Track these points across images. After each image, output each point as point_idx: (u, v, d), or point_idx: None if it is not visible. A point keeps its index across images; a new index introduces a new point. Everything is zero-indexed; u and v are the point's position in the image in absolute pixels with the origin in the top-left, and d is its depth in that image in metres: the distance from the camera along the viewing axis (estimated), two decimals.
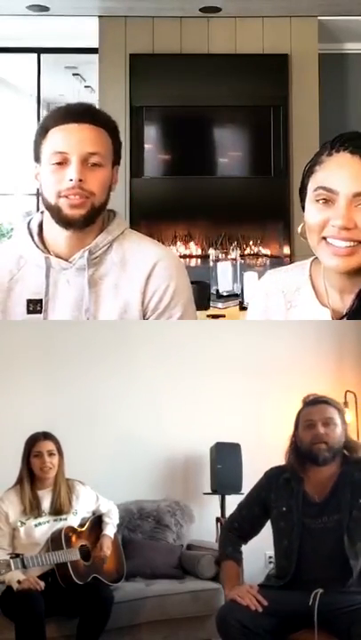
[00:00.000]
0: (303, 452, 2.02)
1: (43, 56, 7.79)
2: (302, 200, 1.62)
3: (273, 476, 2.09)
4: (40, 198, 1.80)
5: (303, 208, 1.61)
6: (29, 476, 2.47)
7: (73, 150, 1.71)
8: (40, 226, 1.86)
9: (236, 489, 3.15)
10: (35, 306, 1.78)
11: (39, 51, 7.70)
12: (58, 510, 2.46)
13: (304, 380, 3.41)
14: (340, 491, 1.96)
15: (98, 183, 1.73)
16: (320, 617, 1.80)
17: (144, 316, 1.81)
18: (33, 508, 2.42)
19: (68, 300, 1.79)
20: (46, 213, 1.81)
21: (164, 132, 7.20)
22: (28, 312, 1.78)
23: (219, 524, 3.21)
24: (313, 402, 2.07)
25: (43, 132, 1.77)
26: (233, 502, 3.14)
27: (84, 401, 3.23)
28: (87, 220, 1.75)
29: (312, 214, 1.55)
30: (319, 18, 6.86)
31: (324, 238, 1.55)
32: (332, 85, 7.27)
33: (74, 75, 9.50)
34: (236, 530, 2.13)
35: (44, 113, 10.14)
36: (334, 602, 1.82)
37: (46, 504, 2.46)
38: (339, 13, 6.74)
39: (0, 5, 6.52)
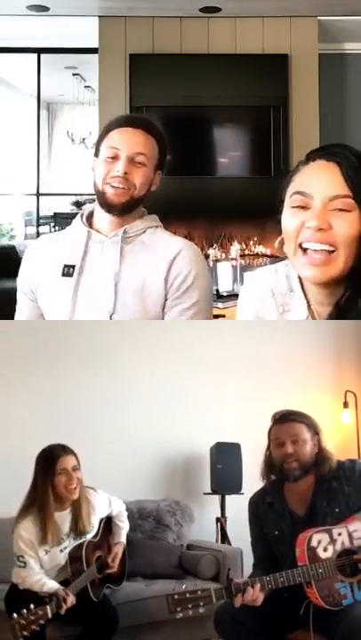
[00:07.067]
0: (276, 469, 2.05)
1: (43, 56, 7.81)
2: (280, 212, 1.59)
3: (255, 504, 2.11)
4: (92, 184, 2.07)
5: (279, 221, 1.58)
6: (49, 498, 2.27)
7: (124, 148, 2.01)
8: (89, 213, 2.13)
9: (236, 489, 3.15)
10: (68, 269, 2.04)
11: (39, 51, 7.72)
12: (80, 533, 2.32)
13: (304, 379, 3.42)
14: (318, 501, 1.99)
15: (140, 178, 2.01)
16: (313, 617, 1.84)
17: (165, 298, 2.01)
18: (55, 536, 2.28)
19: (100, 265, 2.02)
20: (96, 202, 2.08)
21: (165, 131, 7.18)
22: (63, 275, 2.03)
23: (219, 523, 3.22)
24: (281, 419, 2.07)
25: (105, 132, 2.07)
26: (233, 502, 3.16)
27: (84, 401, 3.23)
28: (125, 208, 2.03)
29: (288, 220, 1.54)
30: (319, 18, 6.87)
31: (300, 245, 1.51)
32: (332, 85, 7.28)
33: (74, 75, 9.52)
34: (267, 569, 1.97)
35: (44, 113, 10.18)
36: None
37: (66, 527, 2.32)
38: (339, 13, 6.74)
39: (0, 5, 6.52)
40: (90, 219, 2.13)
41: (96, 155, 2.09)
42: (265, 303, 1.69)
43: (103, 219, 2.07)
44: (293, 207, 1.52)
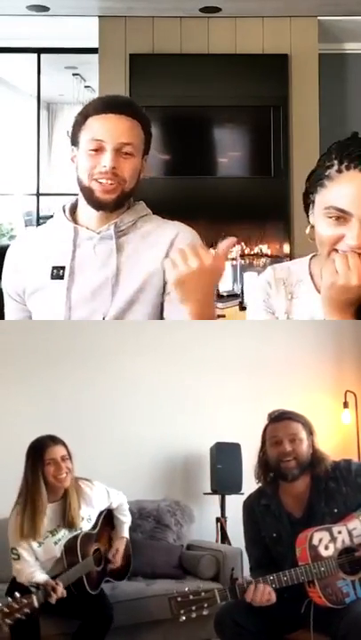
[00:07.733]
0: (272, 468, 2.05)
1: (43, 56, 7.79)
2: (307, 206, 1.63)
3: (250, 506, 2.11)
4: (75, 179, 1.92)
5: (307, 211, 1.63)
6: (41, 489, 2.26)
7: (109, 139, 1.84)
8: (72, 206, 1.99)
9: (236, 489, 3.15)
10: (58, 271, 1.90)
11: (39, 51, 7.70)
12: (69, 525, 2.31)
13: (304, 379, 3.42)
14: (316, 502, 1.99)
15: (129, 171, 1.87)
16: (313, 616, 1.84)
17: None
18: (49, 527, 2.28)
19: (93, 264, 1.90)
20: (80, 196, 1.94)
21: (164, 131, 7.20)
22: (52, 277, 1.90)
23: (219, 524, 3.22)
24: (278, 418, 2.09)
25: (82, 118, 1.89)
26: (233, 502, 3.17)
27: (84, 401, 3.23)
28: (117, 204, 1.89)
29: (324, 229, 1.55)
30: (319, 18, 6.86)
31: (336, 249, 1.55)
32: (332, 85, 7.27)
33: (74, 75, 9.50)
34: (266, 572, 1.94)
35: (44, 113, 10.16)
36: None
37: (60, 518, 2.31)
38: (339, 13, 6.74)
39: (0, 5, 6.52)
40: (73, 213, 1.98)
41: (74, 144, 1.92)
42: (276, 289, 1.78)
43: (90, 214, 1.93)
44: (329, 218, 1.54)
